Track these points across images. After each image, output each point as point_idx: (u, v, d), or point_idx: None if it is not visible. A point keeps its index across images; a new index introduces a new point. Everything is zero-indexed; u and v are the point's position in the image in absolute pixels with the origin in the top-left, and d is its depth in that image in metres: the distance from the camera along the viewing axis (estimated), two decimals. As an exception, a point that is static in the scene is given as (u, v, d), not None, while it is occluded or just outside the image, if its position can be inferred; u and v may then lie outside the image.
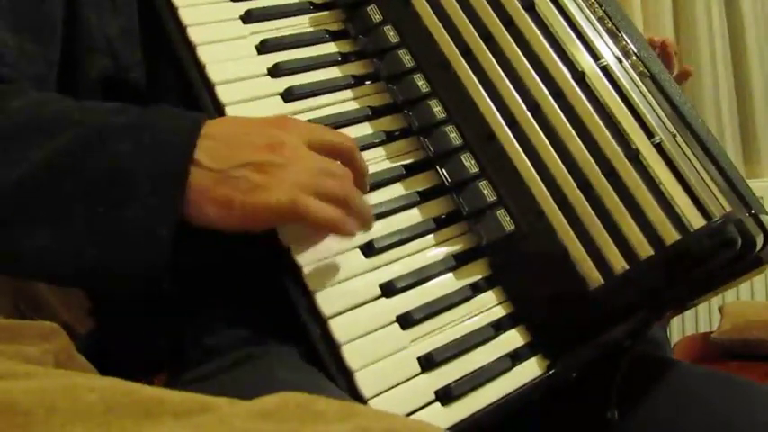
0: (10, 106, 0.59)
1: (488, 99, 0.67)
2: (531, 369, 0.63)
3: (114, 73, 0.69)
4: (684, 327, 2.26)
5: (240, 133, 0.59)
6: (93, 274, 0.57)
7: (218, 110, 0.66)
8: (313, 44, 0.72)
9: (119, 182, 0.56)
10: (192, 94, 0.67)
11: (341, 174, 0.60)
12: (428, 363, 0.60)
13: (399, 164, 0.68)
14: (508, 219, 0.65)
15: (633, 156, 0.63)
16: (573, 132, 0.65)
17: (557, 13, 0.68)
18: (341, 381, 0.58)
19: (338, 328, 0.59)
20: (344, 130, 0.68)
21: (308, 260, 0.61)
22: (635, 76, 0.67)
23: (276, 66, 0.69)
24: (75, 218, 0.55)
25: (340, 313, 0.60)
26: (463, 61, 0.69)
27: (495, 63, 0.68)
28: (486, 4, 0.69)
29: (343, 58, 0.72)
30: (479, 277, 0.65)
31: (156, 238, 0.55)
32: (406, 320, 0.62)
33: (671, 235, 0.61)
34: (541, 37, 0.68)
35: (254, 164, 0.57)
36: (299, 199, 0.57)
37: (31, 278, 0.61)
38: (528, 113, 0.66)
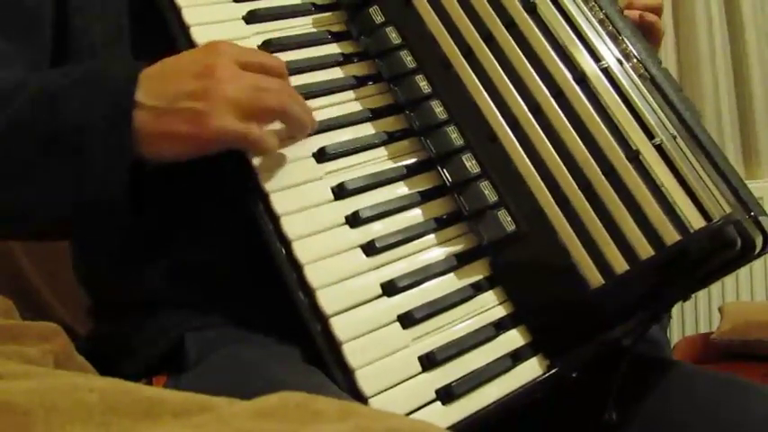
0: None
1: (490, 100, 0.67)
2: (531, 369, 0.63)
3: None
4: (684, 327, 2.26)
5: (173, 68, 0.62)
6: (60, 218, 0.64)
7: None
8: (315, 45, 0.72)
9: (72, 136, 0.60)
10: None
11: (275, 87, 0.62)
12: (429, 362, 0.60)
13: (401, 164, 0.68)
14: (509, 219, 0.65)
15: (633, 156, 0.63)
16: (574, 133, 0.65)
17: (558, 14, 0.68)
18: (341, 379, 0.58)
19: (339, 326, 0.59)
20: (345, 131, 0.68)
21: (307, 259, 0.61)
22: (635, 77, 0.67)
23: (278, 66, 0.69)
24: (39, 172, 0.60)
25: (341, 312, 0.60)
26: (465, 62, 0.69)
27: (496, 64, 0.68)
28: (488, 6, 0.69)
29: (346, 59, 0.72)
30: (480, 277, 0.66)
31: (115, 178, 0.59)
32: (407, 319, 0.62)
33: (671, 235, 0.61)
34: (543, 38, 0.68)
35: (191, 92, 0.60)
36: (244, 128, 0.59)
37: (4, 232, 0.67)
38: (529, 114, 0.66)
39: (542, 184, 0.65)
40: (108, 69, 0.63)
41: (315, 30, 0.73)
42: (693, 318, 2.26)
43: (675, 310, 2.23)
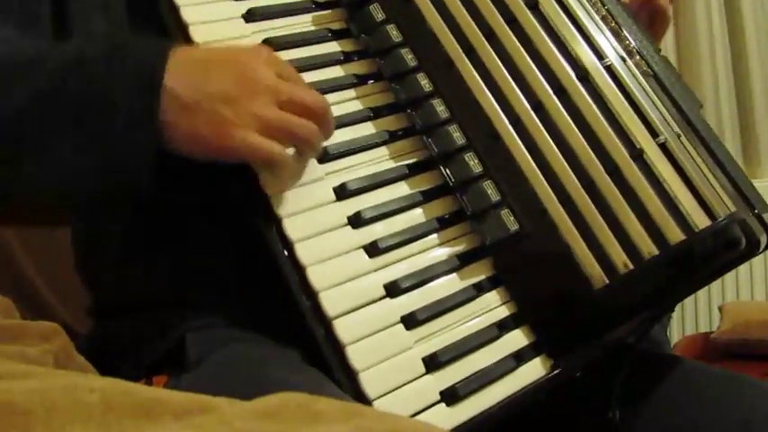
0: None
1: (492, 98, 0.67)
2: (535, 369, 0.63)
3: None
4: (684, 327, 2.26)
5: (211, 60, 0.61)
6: (83, 190, 0.62)
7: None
8: (315, 43, 0.71)
9: (98, 102, 0.59)
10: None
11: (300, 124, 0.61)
12: (433, 363, 0.60)
13: (402, 163, 0.68)
14: (512, 218, 0.65)
15: (637, 155, 0.63)
16: (577, 131, 0.65)
17: (560, 11, 0.68)
18: (345, 381, 0.58)
19: (342, 328, 0.59)
20: (346, 130, 0.68)
21: (309, 261, 0.61)
22: (639, 75, 0.66)
23: (278, 65, 0.69)
24: (64, 141, 0.59)
25: (344, 314, 0.60)
26: (466, 60, 0.69)
27: (498, 62, 0.68)
28: (490, 3, 0.69)
29: (346, 58, 0.72)
30: (483, 277, 0.65)
31: (138, 145, 0.58)
32: (410, 321, 0.61)
33: (675, 235, 0.60)
34: (545, 36, 0.67)
35: (224, 95, 0.59)
36: (264, 144, 0.59)
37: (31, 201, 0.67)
38: (532, 112, 0.66)
39: (545, 183, 0.64)
40: (137, 43, 0.62)
41: (315, 28, 0.72)
42: (693, 317, 2.26)
43: (675, 309, 2.23)
